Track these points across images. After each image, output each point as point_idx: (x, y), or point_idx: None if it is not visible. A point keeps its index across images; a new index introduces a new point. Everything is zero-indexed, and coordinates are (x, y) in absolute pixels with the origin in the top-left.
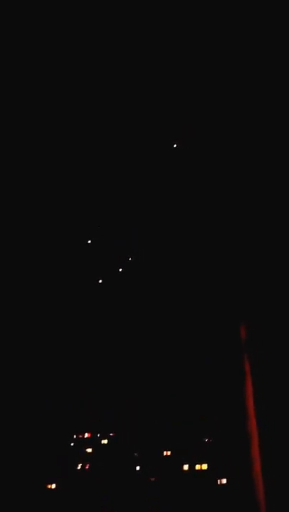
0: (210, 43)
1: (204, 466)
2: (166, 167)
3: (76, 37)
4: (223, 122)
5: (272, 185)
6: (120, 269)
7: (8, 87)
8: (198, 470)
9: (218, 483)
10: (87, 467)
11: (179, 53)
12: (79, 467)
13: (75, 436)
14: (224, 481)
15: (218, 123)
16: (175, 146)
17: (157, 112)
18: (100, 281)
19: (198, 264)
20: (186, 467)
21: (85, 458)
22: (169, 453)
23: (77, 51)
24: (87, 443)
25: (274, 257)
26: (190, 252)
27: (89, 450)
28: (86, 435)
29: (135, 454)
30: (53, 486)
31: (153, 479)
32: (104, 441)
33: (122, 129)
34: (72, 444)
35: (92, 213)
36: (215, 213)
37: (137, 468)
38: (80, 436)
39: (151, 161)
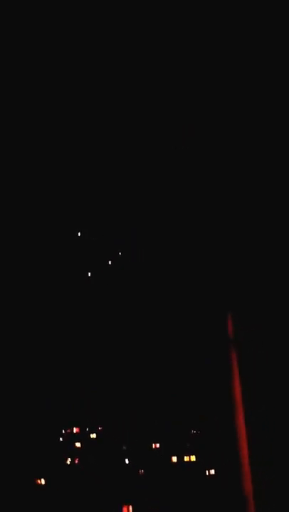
0: (210, 44)
1: (193, 458)
2: (162, 164)
3: (76, 37)
4: (223, 122)
5: (261, 179)
6: (110, 262)
7: (8, 87)
8: (186, 462)
9: (207, 474)
10: (76, 461)
11: (179, 54)
12: (68, 462)
13: (63, 431)
14: (212, 471)
15: (217, 123)
16: (175, 145)
17: (157, 111)
18: (89, 273)
19: (187, 256)
20: (174, 459)
21: (74, 452)
22: (157, 445)
23: (77, 51)
24: (76, 438)
25: (261, 250)
26: (178, 245)
27: (78, 445)
28: (74, 430)
29: (124, 448)
30: (43, 481)
31: (142, 472)
32: (93, 436)
33: (122, 128)
34: (60, 439)
35: (87, 206)
36: (204, 207)
37: (126, 461)
38: (69, 431)
39: (149, 158)
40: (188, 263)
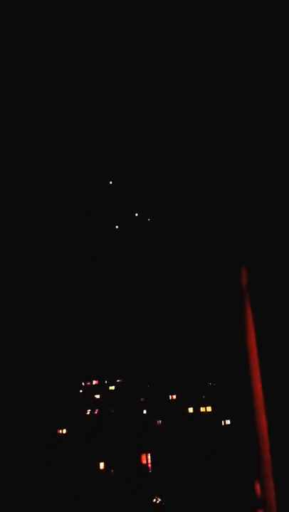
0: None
1: (208, 409)
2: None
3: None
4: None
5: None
6: (136, 214)
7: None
8: (202, 412)
9: (223, 424)
10: (96, 412)
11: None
12: (88, 413)
13: (83, 384)
14: (228, 421)
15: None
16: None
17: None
18: (117, 226)
19: (202, 207)
20: (191, 410)
21: (94, 404)
22: (174, 397)
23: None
24: (96, 390)
25: (274, 201)
26: (193, 196)
27: (97, 396)
28: (94, 382)
29: (142, 399)
30: (64, 431)
31: (160, 422)
32: (112, 388)
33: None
34: (81, 391)
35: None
36: (217, 155)
37: (144, 412)
38: (88, 383)
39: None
40: (203, 214)
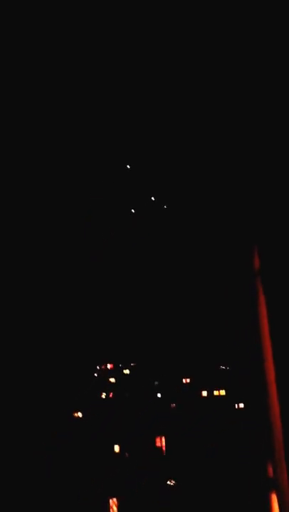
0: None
1: (222, 392)
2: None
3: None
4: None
5: None
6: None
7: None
8: (216, 396)
9: (236, 407)
10: (111, 395)
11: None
12: (103, 396)
13: (98, 368)
14: (241, 405)
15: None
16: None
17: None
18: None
19: (212, 188)
20: (204, 393)
21: (109, 387)
22: (188, 380)
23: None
24: (110, 373)
25: (287, 182)
26: (203, 177)
27: (112, 380)
28: (109, 366)
29: (156, 383)
30: (80, 414)
31: (174, 405)
32: (126, 371)
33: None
34: (96, 375)
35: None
36: (226, 138)
37: (158, 395)
38: (103, 367)
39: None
40: (213, 196)
